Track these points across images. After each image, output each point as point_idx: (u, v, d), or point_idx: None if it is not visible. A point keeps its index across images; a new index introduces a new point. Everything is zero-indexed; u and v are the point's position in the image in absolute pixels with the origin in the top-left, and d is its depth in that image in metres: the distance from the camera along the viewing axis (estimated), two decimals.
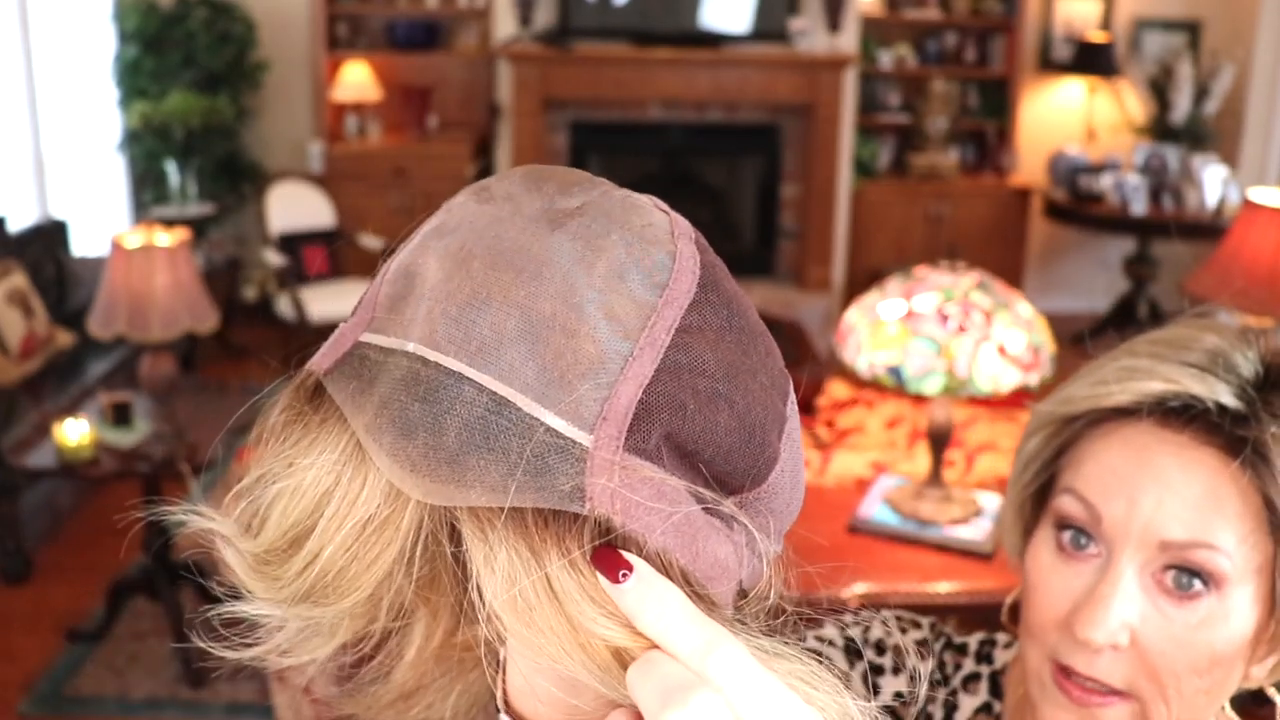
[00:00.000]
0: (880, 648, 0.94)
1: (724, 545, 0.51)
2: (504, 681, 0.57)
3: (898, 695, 0.91)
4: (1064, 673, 0.75)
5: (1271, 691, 0.80)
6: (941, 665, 0.93)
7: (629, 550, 0.47)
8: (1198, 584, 0.73)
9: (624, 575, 0.46)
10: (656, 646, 0.46)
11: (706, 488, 0.50)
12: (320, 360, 0.53)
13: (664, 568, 0.48)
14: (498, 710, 0.57)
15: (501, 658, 0.58)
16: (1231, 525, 0.72)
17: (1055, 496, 0.78)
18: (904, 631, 0.94)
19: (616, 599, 0.46)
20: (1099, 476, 0.75)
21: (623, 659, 0.47)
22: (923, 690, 0.90)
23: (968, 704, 0.91)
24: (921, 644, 0.93)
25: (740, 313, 0.53)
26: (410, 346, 0.49)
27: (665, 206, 0.55)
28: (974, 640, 0.94)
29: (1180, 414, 0.74)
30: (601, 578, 0.47)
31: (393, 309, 0.51)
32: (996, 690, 0.91)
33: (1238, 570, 0.72)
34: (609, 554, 0.47)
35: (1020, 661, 0.90)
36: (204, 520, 0.53)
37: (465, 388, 0.48)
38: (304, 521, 0.51)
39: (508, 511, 0.47)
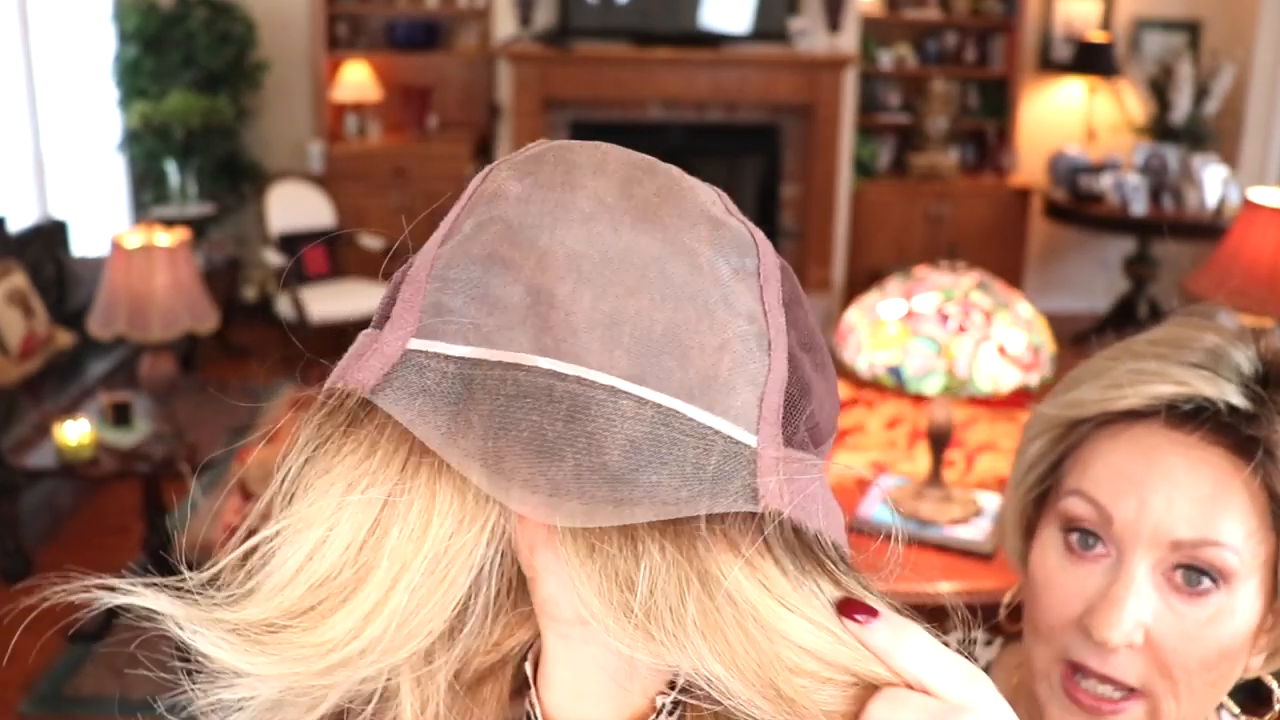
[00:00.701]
0: None
1: (838, 509, 0.51)
2: (539, 696, 0.54)
3: None
4: (1076, 672, 0.76)
5: (1270, 680, 0.81)
6: None
7: (800, 534, 0.47)
8: (1207, 581, 0.74)
9: (866, 619, 0.47)
10: (844, 634, 0.46)
11: (821, 455, 0.50)
12: (360, 375, 0.46)
13: (822, 547, 0.48)
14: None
15: (529, 674, 0.55)
16: (1240, 522, 0.73)
17: (1061, 498, 0.79)
18: None
19: (866, 640, 0.46)
20: (1108, 478, 0.76)
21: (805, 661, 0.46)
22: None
23: None
24: None
25: (791, 269, 0.53)
26: (525, 359, 0.45)
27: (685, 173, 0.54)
28: (953, 640, 0.93)
29: (1191, 415, 0.75)
30: (849, 622, 0.47)
31: (452, 314, 0.46)
32: None
33: (1245, 566, 0.73)
34: (851, 603, 0.47)
35: (1005, 660, 0.92)
36: (152, 598, 0.46)
37: (622, 402, 0.44)
38: (345, 572, 0.45)
39: (666, 523, 0.45)
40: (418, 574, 0.45)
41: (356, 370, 0.47)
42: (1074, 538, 0.77)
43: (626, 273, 0.46)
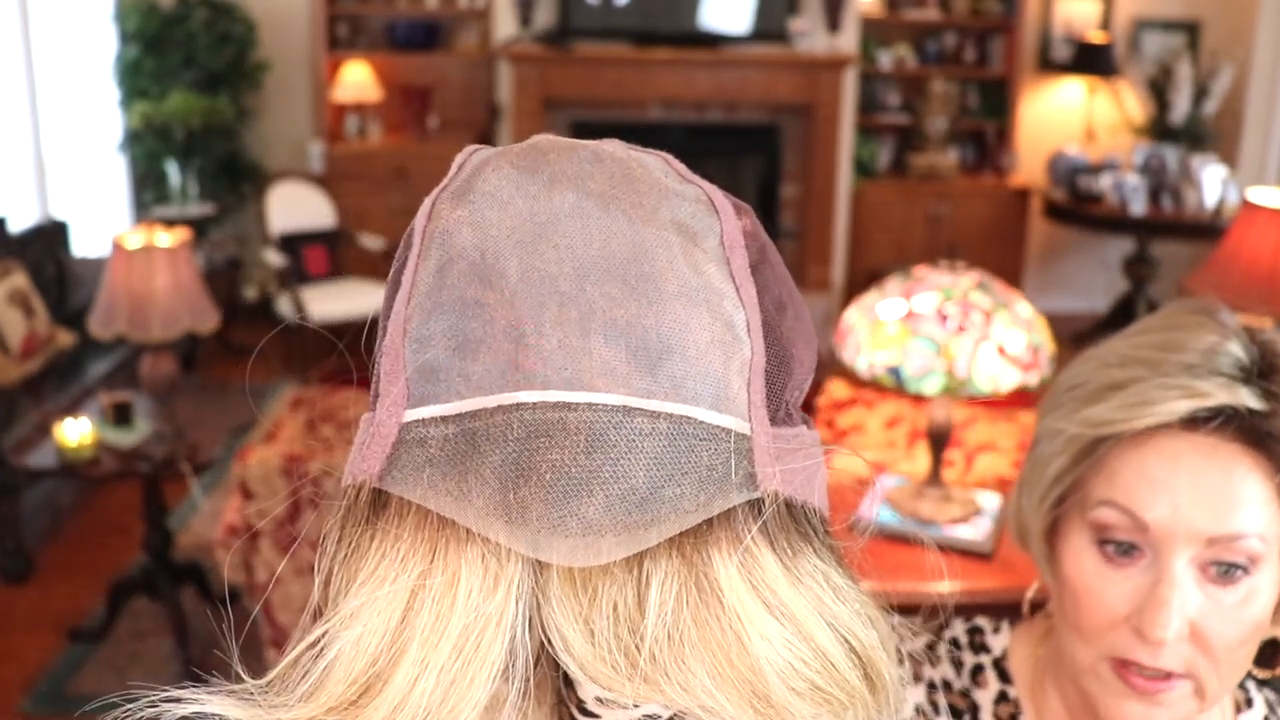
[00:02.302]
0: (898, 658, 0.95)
1: (822, 470, 0.49)
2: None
3: (919, 710, 0.92)
4: (1125, 666, 0.81)
5: None
6: (951, 666, 0.95)
7: (791, 509, 0.45)
8: (1239, 569, 0.79)
9: None
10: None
11: (806, 423, 0.49)
12: (364, 465, 0.44)
13: (808, 519, 0.47)
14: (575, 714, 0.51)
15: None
16: (1261, 510, 0.78)
17: (1091, 509, 0.83)
18: (914, 635, 0.95)
19: None
20: (1137, 487, 0.80)
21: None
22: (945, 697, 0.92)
23: (984, 697, 0.94)
24: (930, 648, 0.95)
25: (751, 211, 0.51)
26: (525, 396, 0.42)
27: (629, 145, 0.51)
28: (961, 632, 0.97)
29: (1209, 419, 0.80)
30: None
31: (438, 372, 0.44)
32: (1005, 677, 0.94)
33: (1269, 547, 0.79)
34: None
35: (1021, 639, 0.95)
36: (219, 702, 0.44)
37: (637, 420, 0.42)
38: (381, 661, 0.43)
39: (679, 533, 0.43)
40: (445, 653, 0.43)
41: (361, 460, 0.45)
42: (1110, 548, 0.82)
43: (607, 283, 0.44)
